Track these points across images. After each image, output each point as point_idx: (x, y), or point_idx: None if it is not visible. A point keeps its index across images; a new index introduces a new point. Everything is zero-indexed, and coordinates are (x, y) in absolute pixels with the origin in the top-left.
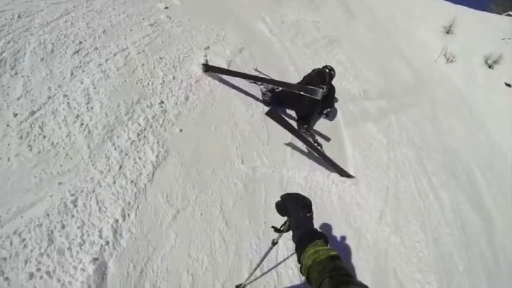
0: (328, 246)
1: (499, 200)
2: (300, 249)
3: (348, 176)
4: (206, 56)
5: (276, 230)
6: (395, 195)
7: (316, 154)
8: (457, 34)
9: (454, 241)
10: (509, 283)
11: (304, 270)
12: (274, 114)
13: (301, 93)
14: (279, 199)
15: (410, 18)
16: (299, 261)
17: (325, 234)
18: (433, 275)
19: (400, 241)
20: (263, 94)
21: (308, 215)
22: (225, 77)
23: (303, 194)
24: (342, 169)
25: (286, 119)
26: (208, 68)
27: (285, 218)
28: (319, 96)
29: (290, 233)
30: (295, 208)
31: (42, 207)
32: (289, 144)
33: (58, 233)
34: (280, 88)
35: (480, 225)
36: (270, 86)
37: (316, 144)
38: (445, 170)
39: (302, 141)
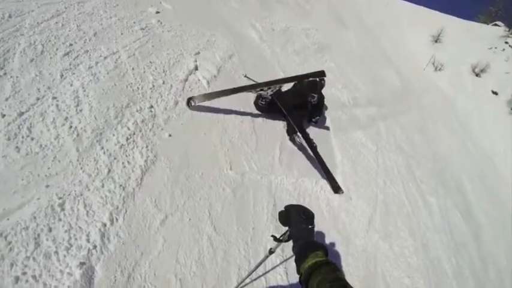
0: (328, 257)
1: (486, 206)
2: (299, 260)
3: (337, 189)
4: (196, 61)
5: (276, 239)
6: (384, 202)
7: (312, 154)
8: (445, 43)
9: (443, 247)
10: (498, 286)
11: (304, 280)
12: (279, 95)
13: (311, 79)
14: (283, 208)
15: (400, 26)
16: (298, 271)
17: (325, 246)
18: (422, 280)
19: (389, 247)
20: (262, 98)
21: (310, 227)
22: (216, 83)
23: (293, 201)
24: (333, 179)
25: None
26: (200, 100)
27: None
28: (325, 75)
29: (288, 242)
30: (297, 219)
31: (29, 209)
32: (278, 151)
33: (45, 237)
34: (283, 88)
35: (468, 231)
36: (276, 88)
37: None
38: (433, 177)
39: (301, 134)
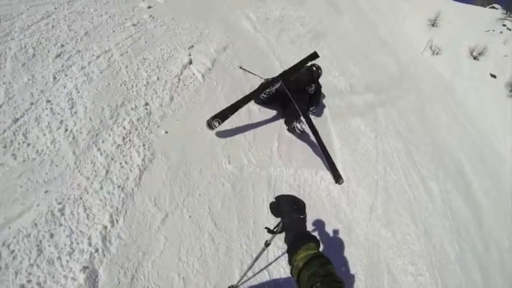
0: (320, 250)
1: (487, 187)
2: (291, 251)
3: (339, 178)
4: (190, 55)
5: (269, 231)
6: (384, 189)
7: (315, 140)
8: (442, 27)
9: (445, 231)
10: (500, 267)
11: (295, 272)
12: (287, 78)
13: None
14: (273, 199)
15: (396, 11)
16: (290, 262)
17: (317, 238)
18: (425, 266)
19: (392, 234)
20: (266, 92)
21: (302, 217)
22: (211, 76)
23: (293, 192)
24: (335, 168)
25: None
26: (222, 117)
27: (279, 220)
28: (318, 55)
29: (283, 233)
30: (289, 209)
31: (30, 217)
32: (276, 142)
33: (47, 243)
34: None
35: (470, 214)
36: (279, 84)
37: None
38: (433, 161)
39: (305, 119)
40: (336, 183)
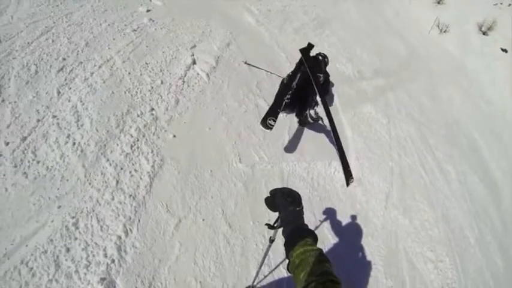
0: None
1: (504, 165)
2: (288, 246)
3: (349, 177)
4: (193, 55)
5: (270, 226)
6: (400, 175)
7: (328, 127)
8: (448, 3)
9: (463, 214)
10: None
11: (291, 269)
12: (307, 52)
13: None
14: (268, 194)
15: None
16: (287, 257)
17: (314, 232)
18: (444, 252)
19: (409, 222)
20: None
21: (298, 209)
22: (216, 74)
23: (307, 186)
24: (347, 165)
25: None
26: (275, 114)
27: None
28: (312, 46)
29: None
30: (283, 203)
31: (45, 233)
32: (287, 136)
33: (64, 257)
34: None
35: (487, 194)
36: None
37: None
38: (448, 143)
39: (322, 101)
40: (347, 186)
